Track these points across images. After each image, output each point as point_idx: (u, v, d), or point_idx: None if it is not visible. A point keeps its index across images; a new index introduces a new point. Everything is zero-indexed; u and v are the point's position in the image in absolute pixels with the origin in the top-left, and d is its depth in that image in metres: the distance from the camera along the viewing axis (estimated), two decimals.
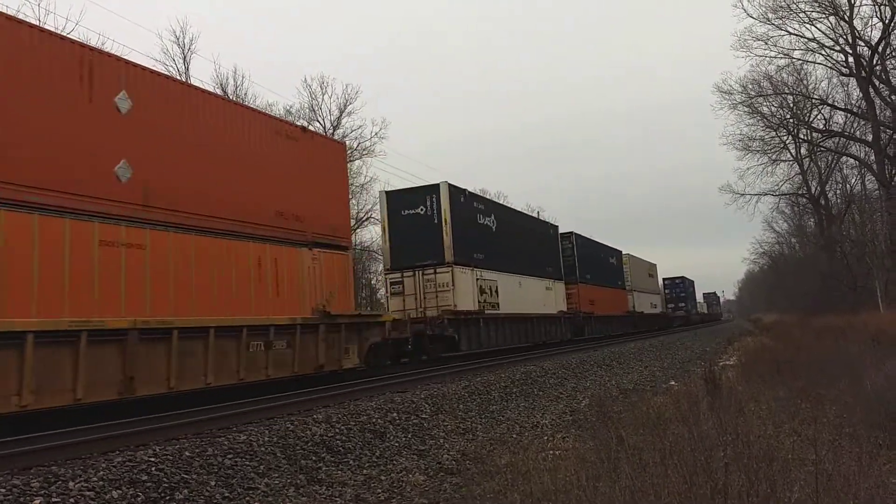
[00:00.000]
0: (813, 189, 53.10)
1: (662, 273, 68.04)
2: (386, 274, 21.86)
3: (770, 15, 39.17)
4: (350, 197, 23.50)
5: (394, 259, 21.49)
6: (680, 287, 73.21)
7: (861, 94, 40.02)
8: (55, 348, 9.12)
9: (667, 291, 70.33)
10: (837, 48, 39.69)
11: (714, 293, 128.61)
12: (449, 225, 21.07)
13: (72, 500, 6.12)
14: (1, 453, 7.10)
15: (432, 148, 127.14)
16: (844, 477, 4.93)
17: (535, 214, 40.08)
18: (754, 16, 40.21)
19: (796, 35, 39.81)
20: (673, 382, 17.68)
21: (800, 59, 41.43)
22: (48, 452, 7.36)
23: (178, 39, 36.74)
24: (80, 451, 7.56)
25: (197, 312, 11.44)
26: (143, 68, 11.57)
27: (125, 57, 11.84)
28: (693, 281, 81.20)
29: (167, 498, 6.73)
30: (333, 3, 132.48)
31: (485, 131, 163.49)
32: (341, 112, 45.50)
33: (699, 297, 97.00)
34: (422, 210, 21.39)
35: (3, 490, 6.01)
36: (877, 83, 38.76)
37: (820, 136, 46.76)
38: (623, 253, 45.14)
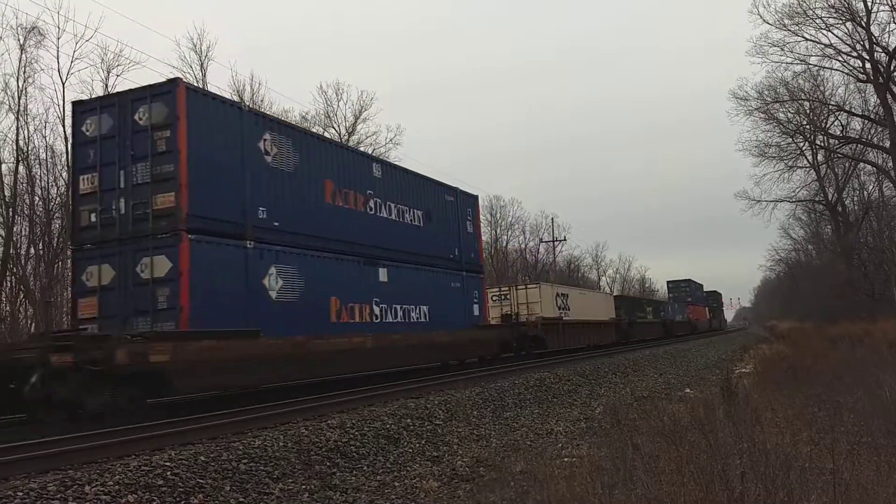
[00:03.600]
0: (830, 196, 52.62)
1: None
2: None
3: (786, 21, 39.03)
4: None
5: None
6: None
7: (878, 101, 39.70)
8: None
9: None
10: (854, 54, 39.45)
11: (693, 282, 78.96)
12: None
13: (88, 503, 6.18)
14: (19, 456, 7.17)
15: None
16: (862, 486, 4.89)
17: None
18: (770, 22, 40.01)
19: (812, 41, 39.62)
20: (688, 390, 17.60)
21: (816, 66, 41.19)
22: (65, 456, 7.41)
23: (195, 46, 36.93)
24: (96, 455, 7.60)
25: None
26: None
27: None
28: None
29: (182, 502, 6.77)
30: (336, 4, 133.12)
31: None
32: (356, 118, 45.70)
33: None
34: None
35: (20, 493, 6.06)
36: (894, 89, 38.45)
37: (837, 142, 46.36)
38: None
